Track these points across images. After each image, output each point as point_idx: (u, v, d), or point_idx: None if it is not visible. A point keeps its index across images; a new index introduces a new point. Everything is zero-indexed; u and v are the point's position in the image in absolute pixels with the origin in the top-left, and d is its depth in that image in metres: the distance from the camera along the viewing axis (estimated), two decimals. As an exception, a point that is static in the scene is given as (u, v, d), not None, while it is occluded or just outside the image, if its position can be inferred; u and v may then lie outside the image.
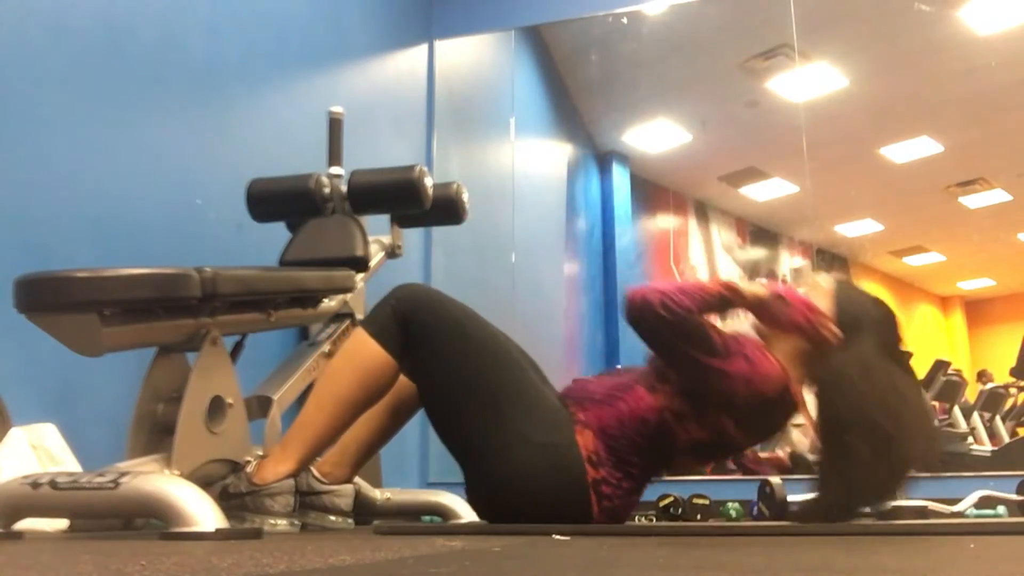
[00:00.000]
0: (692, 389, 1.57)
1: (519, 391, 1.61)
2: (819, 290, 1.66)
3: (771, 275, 4.45)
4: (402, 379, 1.71)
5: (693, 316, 1.51)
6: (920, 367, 4.00)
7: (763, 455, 3.86)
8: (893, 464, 1.48)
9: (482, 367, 1.62)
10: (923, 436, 1.55)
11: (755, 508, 2.22)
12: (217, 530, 1.29)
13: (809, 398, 1.59)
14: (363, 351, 1.66)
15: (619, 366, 3.74)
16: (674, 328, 1.51)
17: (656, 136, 4.28)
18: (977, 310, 4.34)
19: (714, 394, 1.54)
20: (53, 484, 1.37)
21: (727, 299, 1.59)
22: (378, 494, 2.10)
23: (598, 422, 1.59)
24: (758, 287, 1.64)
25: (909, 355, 1.66)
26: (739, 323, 1.65)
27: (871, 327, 1.60)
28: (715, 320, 1.59)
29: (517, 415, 1.58)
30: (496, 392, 1.60)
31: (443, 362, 1.63)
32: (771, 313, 1.62)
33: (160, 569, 0.79)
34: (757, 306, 1.63)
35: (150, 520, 1.66)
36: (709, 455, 1.68)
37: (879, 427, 1.47)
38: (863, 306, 1.65)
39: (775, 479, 2.14)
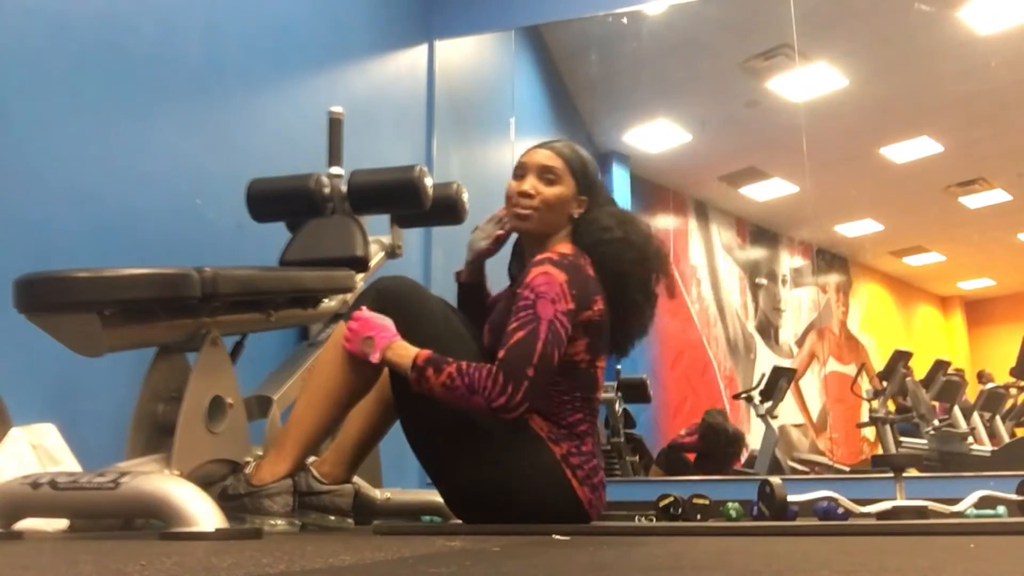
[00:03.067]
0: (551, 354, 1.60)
1: None
2: (552, 159, 1.74)
3: (771, 275, 4.46)
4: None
5: (501, 364, 1.53)
6: (920, 367, 4.01)
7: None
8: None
9: None
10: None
11: (755, 508, 2.22)
12: (217, 530, 1.29)
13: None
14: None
15: (617, 367, 3.74)
16: (511, 375, 1.52)
17: (656, 136, 4.28)
18: (977, 310, 4.35)
19: (571, 329, 1.60)
20: (53, 484, 1.37)
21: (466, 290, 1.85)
22: (378, 494, 2.10)
23: (536, 403, 1.60)
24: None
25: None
26: None
27: (599, 182, 1.80)
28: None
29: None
30: None
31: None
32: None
33: (160, 569, 0.79)
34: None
35: (150, 520, 1.66)
36: (605, 345, 1.72)
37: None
38: (588, 165, 1.78)
39: (775, 479, 2.14)
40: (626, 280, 1.70)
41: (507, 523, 1.55)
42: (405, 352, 1.58)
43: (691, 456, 3.98)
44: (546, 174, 1.73)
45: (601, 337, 1.67)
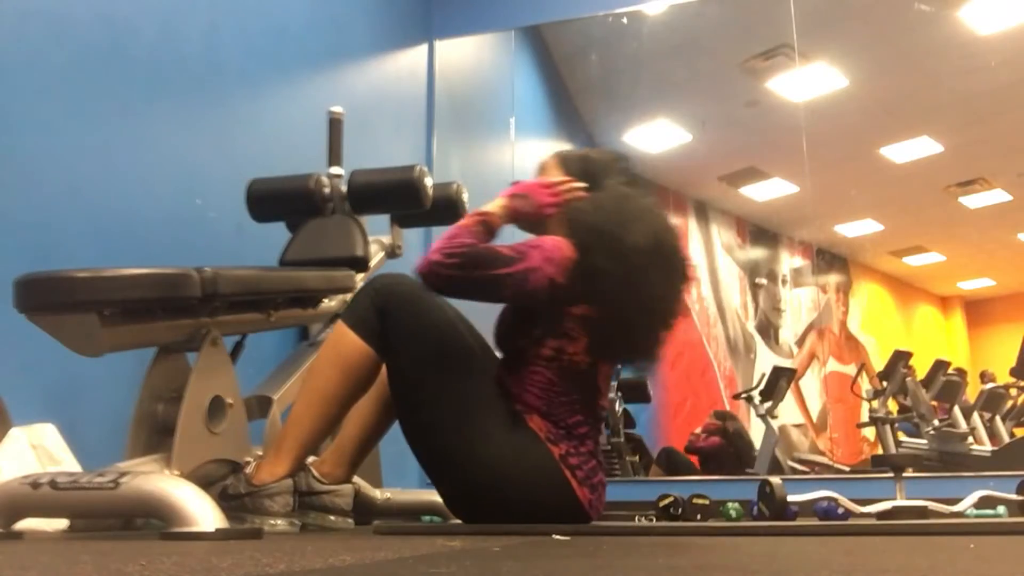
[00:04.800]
0: (523, 305, 1.64)
1: (481, 391, 1.63)
2: (547, 168, 1.80)
3: (771, 275, 4.46)
4: None
5: (474, 247, 1.59)
6: (920, 367, 4.01)
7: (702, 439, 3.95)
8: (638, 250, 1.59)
9: (446, 366, 1.64)
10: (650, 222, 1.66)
11: (755, 508, 2.22)
12: (217, 530, 1.29)
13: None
14: (343, 344, 1.67)
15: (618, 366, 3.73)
16: (467, 266, 1.57)
17: (656, 136, 4.28)
18: (977, 310, 4.34)
19: (538, 294, 1.58)
20: (53, 484, 1.37)
21: (486, 222, 1.67)
22: (378, 494, 2.10)
23: (535, 403, 1.62)
24: (497, 200, 1.73)
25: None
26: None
27: (604, 169, 1.76)
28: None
29: (479, 413, 1.61)
30: (460, 392, 1.62)
31: (409, 357, 1.65)
32: (524, 211, 1.73)
33: (160, 569, 0.79)
34: (511, 215, 1.73)
35: (150, 520, 1.66)
36: (615, 352, 1.71)
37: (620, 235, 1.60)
38: (588, 159, 1.80)
39: (775, 479, 2.14)
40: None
41: (507, 523, 1.55)
42: (494, 206, 1.71)
43: (693, 457, 3.98)
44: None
45: (603, 341, 1.65)
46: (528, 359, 1.64)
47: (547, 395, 1.63)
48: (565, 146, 4.34)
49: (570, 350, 1.62)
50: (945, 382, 3.97)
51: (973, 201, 4.08)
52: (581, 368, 1.64)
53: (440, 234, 1.63)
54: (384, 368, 1.71)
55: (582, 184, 1.73)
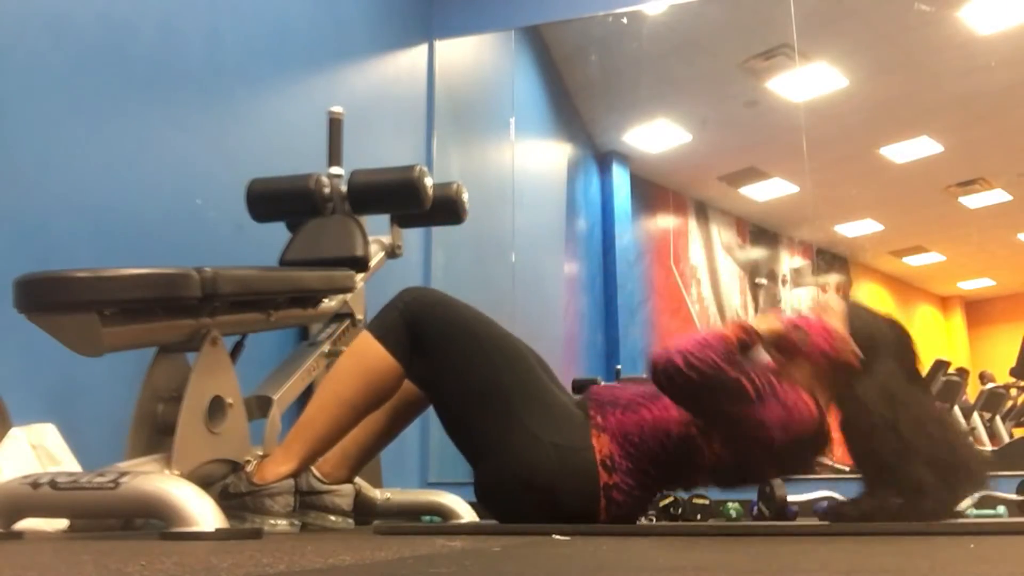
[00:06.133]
0: (728, 435, 1.55)
1: (530, 392, 1.61)
2: (831, 312, 1.62)
3: (771, 275, 4.46)
4: (405, 383, 1.71)
5: (721, 370, 1.47)
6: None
7: None
8: (955, 487, 1.50)
9: (492, 369, 1.62)
10: (975, 458, 1.58)
11: (755, 508, 2.22)
12: (217, 530, 1.29)
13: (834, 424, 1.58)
14: (368, 354, 1.65)
15: (618, 366, 3.74)
16: (704, 386, 1.47)
17: (656, 136, 4.28)
18: (977, 310, 4.34)
19: (751, 439, 1.52)
20: (53, 484, 1.37)
21: (746, 342, 1.55)
22: (378, 494, 2.10)
23: (619, 427, 1.58)
24: (773, 321, 1.59)
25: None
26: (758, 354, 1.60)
27: (888, 349, 1.57)
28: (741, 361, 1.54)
29: (528, 415, 1.58)
30: (507, 393, 1.59)
31: (453, 365, 1.63)
32: (792, 345, 1.57)
33: (160, 569, 0.79)
34: (778, 340, 1.58)
35: (150, 520, 1.66)
36: (730, 480, 1.65)
37: (939, 459, 1.47)
38: (879, 328, 1.61)
39: (775, 479, 2.14)
40: None
41: (525, 522, 1.54)
42: (764, 325, 1.58)
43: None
44: None
45: (746, 462, 1.59)
46: (668, 407, 1.58)
47: (645, 435, 1.57)
48: (564, 146, 4.34)
49: (716, 448, 1.57)
50: (945, 382, 3.97)
51: (973, 201, 4.07)
52: (704, 460, 1.58)
53: (694, 333, 1.52)
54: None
55: (859, 352, 1.55)
